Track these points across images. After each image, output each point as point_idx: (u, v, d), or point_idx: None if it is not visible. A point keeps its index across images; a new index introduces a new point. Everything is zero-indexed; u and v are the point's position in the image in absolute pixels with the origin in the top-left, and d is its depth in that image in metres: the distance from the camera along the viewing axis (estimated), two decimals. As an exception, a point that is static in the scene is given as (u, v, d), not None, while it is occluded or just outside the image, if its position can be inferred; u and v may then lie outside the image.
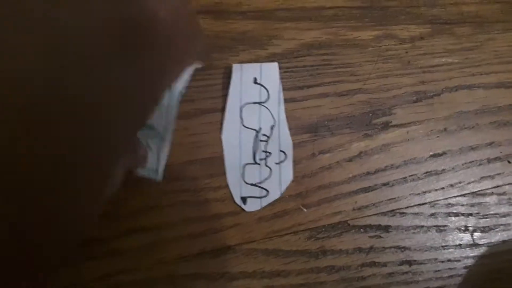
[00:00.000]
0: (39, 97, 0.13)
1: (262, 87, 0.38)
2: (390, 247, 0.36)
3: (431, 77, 0.42)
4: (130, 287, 0.32)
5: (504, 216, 0.39)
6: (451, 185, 0.39)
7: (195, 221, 0.34)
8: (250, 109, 0.37)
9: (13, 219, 0.15)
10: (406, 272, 0.36)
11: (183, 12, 0.20)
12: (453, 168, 0.40)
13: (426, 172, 0.39)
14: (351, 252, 0.36)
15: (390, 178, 0.38)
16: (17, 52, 0.13)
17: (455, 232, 0.38)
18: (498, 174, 0.40)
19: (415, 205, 0.38)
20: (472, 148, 0.40)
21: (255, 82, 0.38)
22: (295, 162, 0.37)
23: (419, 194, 0.38)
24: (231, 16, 0.40)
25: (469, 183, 0.39)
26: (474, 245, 0.38)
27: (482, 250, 0.38)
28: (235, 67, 0.38)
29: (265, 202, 0.35)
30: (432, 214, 0.38)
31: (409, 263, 0.36)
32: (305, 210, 0.36)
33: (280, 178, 0.36)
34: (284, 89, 0.38)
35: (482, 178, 0.40)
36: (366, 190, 0.37)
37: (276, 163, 0.36)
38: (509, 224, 0.39)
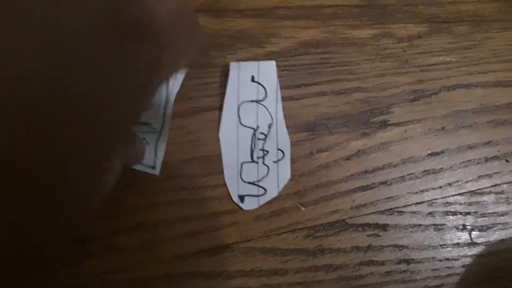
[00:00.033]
0: (39, 97, 0.13)
1: (259, 85, 0.38)
2: (388, 246, 0.37)
3: (429, 76, 0.43)
4: (128, 285, 0.32)
5: (502, 215, 0.39)
6: (449, 184, 0.39)
7: (193, 219, 0.34)
8: (247, 108, 0.37)
9: (13, 219, 0.15)
10: (404, 271, 0.36)
11: (183, 11, 0.20)
12: (451, 167, 0.40)
13: (424, 171, 0.39)
14: (349, 250, 0.36)
15: (388, 176, 0.38)
16: (17, 52, 0.13)
17: (453, 231, 0.38)
18: (496, 173, 0.41)
19: (413, 204, 0.38)
20: (470, 147, 0.41)
21: (253, 80, 0.38)
22: (293, 161, 0.37)
23: (417, 193, 0.39)
24: (229, 14, 0.40)
25: (467, 182, 0.40)
26: (472, 244, 0.38)
27: (480, 249, 0.38)
28: (233, 65, 0.38)
29: (263, 200, 0.36)
30: (430, 213, 0.38)
31: (407, 261, 0.36)
32: (303, 208, 0.36)
33: (277, 177, 0.36)
34: (281, 88, 0.38)
35: (480, 177, 0.40)
36: (364, 188, 0.38)
37: (274, 162, 0.37)
38: (507, 223, 0.39)
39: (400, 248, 0.37)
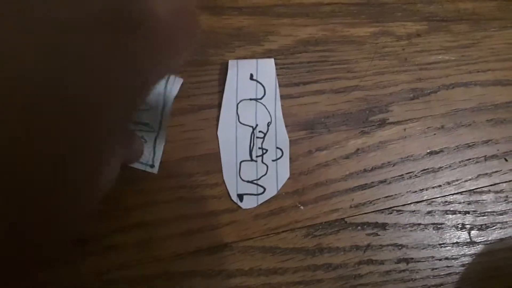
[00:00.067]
0: (39, 97, 0.13)
1: (258, 84, 0.38)
2: (387, 245, 0.37)
3: (428, 75, 0.43)
4: (126, 284, 0.32)
5: (501, 214, 0.40)
6: (448, 183, 0.40)
7: (191, 218, 0.34)
8: (246, 106, 0.37)
9: (13, 219, 0.15)
10: (404, 270, 0.37)
11: (183, 11, 0.20)
12: (450, 166, 0.40)
13: (423, 170, 0.40)
14: (348, 249, 0.36)
15: (387, 175, 0.39)
16: (17, 52, 0.13)
17: (452, 230, 0.38)
18: (495, 172, 0.41)
19: (412, 203, 0.38)
20: (469, 146, 0.41)
21: (251, 78, 0.38)
22: (292, 159, 0.37)
23: (416, 191, 0.39)
24: (227, 12, 0.40)
25: (466, 181, 0.40)
26: (471, 243, 0.38)
27: (479, 248, 0.39)
28: (231, 63, 0.38)
29: (262, 199, 0.36)
30: (429, 212, 0.38)
31: (406, 261, 0.37)
32: (302, 207, 0.36)
33: (276, 175, 0.37)
34: (280, 86, 0.39)
35: (479, 176, 0.41)
36: (363, 187, 0.38)
37: (273, 160, 0.37)
38: (506, 222, 0.40)
39: (400, 247, 0.37)
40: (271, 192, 0.36)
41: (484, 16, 0.47)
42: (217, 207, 0.35)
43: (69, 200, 0.17)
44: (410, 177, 0.39)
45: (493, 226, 0.39)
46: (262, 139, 0.37)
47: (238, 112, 0.37)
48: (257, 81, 0.38)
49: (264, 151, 0.37)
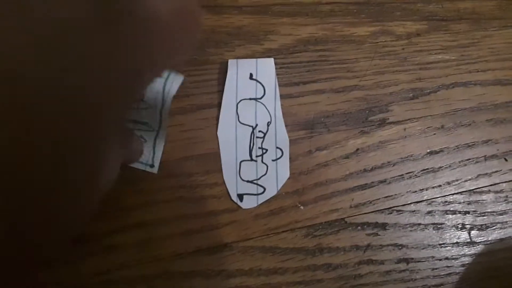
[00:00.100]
0: (39, 97, 0.13)
1: (258, 83, 0.38)
2: (388, 245, 0.37)
3: (428, 74, 0.43)
4: (126, 284, 0.32)
5: (501, 214, 0.40)
6: (448, 183, 0.40)
7: (191, 218, 0.35)
8: (246, 105, 0.38)
9: (13, 219, 0.15)
10: (404, 270, 0.37)
11: (184, 11, 0.20)
12: (450, 166, 0.41)
13: (423, 170, 0.40)
14: (348, 249, 0.36)
15: (387, 175, 0.39)
16: (17, 52, 0.13)
17: (452, 230, 0.39)
18: (495, 172, 0.41)
19: (412, 203, 0.39)
20: (469, 146, 0.41)
21: (251, 78, 0.38)
22: (292, 159, 0.38)
23: (416, 191, 0.39)
24: (227, 11, 0.41)
25: (466, 180, 0.40)
26: (471, 243, 0.39)
27: (479, 248, 0.39)
28: (231, 63, 0.38)
29: (262, 199, 0.36)
30: (429, 212, 0.39)
31: (407, 261, 0.37)
32: (302, 207, 0.36)
33: (276, 175, 0.37)
34: (280, 85, 0.39)
35: (479, 175, 0.41)
36: (363, 187, 0.38)
37: (273, 160, 0.37)
38: (506, 222, 0.40)
39: (400, 247, 0.37)
40: (271, 192, 0.36)
41: (484, 15, 0.48)
42: (217, 207, 0.35)
43: (69, 200, 0.17)
44: (410, 177, 0.39)
45: (493, 226, 0.40)
46: (262, 139, 0.37)
47: (238, 112, 0.37)
48: (257, 81, 0.38)
49: (264, 151, 0.37)
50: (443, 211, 0.39)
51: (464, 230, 0.39)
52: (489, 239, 0.39)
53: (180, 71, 0.36)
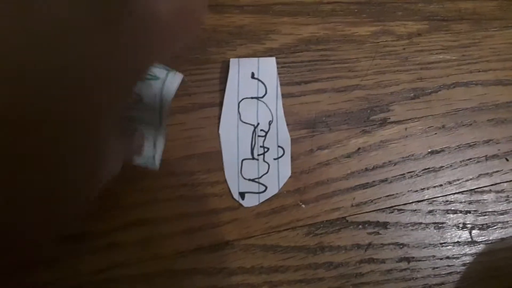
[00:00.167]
0: (39, 98, 0.13)
1: (259, 82, 0.39)
2: (389, 244, 0.37)
3: (429, 74, 0.44)
4: (127, 282, 0.32)
5: (502, 213, 0.40)
6: (449, 182, 0.40)
7: (193, 216, 0.35)
8: (247, 104, 0.38)
9: (13, 219, 0.15)
10: (405, 269, 0.37)
11: (184, 11, 0.20)
12: (451, 165, 0.41)
13: (424, 169, 0.40)
14: (349, 248, 0.37)
15: (388, 174, 0.39)
16: (17, 52, 0.13)
17: (453, 230, 0.39)
18: (496, 171, 0.42)
19: (413, 202, 0.39)
20: (470, 146, 0.42)
21: (253, 77, 0.39)
22: (293, 158, 0.38)
23: (417, 191, 0.39)
24: (228, 10, 0.41)
25: (467, 180, 0.41)
26: (472, 242, 0.39)
27: (480, 247, 0.39)
28: (233, 62, 0.39)
29: (263, 197, 0.36)
30: (430, 211, 0.39)
31: (408, 260, 0.37)
32: (303, 206, 0.37)
33: (278, 174, 0.37)
34: (281, 84, 0.39)
35: (480, 175, 0.41)
36: (364, 186, 0.39)
37: (274, 159, 0.37)
38: (507, 222, 0.40)
39: (401, 246, 0.38)
40: (272, 190, 0.37)
41: (485, 15, 0.48)
42: (218, 205, 0.36)
43: (69, 200, 0.17)
44: (411, 177, 0.40)
45: (494, 225, 0.40)
46: (263, 138, 0.38)
47: (240, 111, 0.38)
48: (259, 80, 0.39)
49: (266, 149, 0.38)
50: (444, 210, 0.39)
51: (465, 229, 0.39)
52: (490, 238, 0.40)
53: (182, 70, 0.36)
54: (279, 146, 0.38)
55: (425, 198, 0.39)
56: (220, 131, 0.37)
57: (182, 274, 0.33)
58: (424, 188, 0.40)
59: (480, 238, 0.39)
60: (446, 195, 0.40)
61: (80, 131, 0.16)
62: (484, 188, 0.41)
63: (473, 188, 0.41)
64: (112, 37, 0.15)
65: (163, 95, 0.35)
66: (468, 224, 0.39)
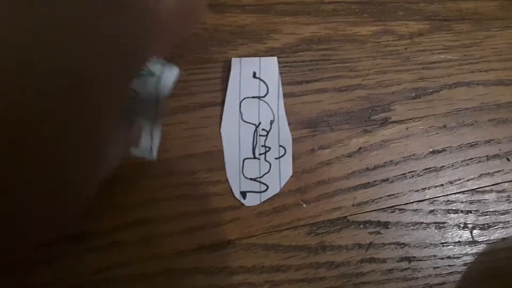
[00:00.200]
0: (39, 98, 0.14)
1: (261, 82, 0.39)
2: (390, 244, 0.37)
3: (430, 74, 0.44)
4: (128, 282, 0.32)
5: (503, 213, 0.40)
6: (450, 182, 0.40)
7: (194, 215, 0.35)
8: (249, 104, 0.38)
9: (13, 219, 0.15)
10: (406, 269, 0.37)
11: (184, 11, 0.20)
12: (452, 165, 0.41)
13: (425, 169, 0.40)
14: (350, 248, 0.37)
15: (389, 174, 0.39)
16: (17, 52, 0.13)
17: (454, 229, 0.39)
18: (497, 171, 0.42)
19: (414, 202, 0.39)
20: (471, 145, 0.42)
21: (254, 76, 0.39)
22: (295, 157, 0.38)
23: (418, 190, 0.40)
24: (230, 10, 0.41)
25: (468, 180, 0.41)
26: (473, 242, 0.39)
27: (481, 247, 0.39)
28: (234, 61, 0.39)
29: (265, 197, 0.37)
30: (431, 211, 0.39)
31: (409, 259, 0.37)
32: (304, 205, 0.37)
33: (279, 173, 0.37)
34: (283, 84, 0.39)
35: (481, 175, 0.41)
36: (365, 186, 0.39)
37: (276, 158, 0.38)
38: (508, 222, 0.40)
39: (402, 246, 0.38)
40: (274, 189, 0.37)
41: (486, 15, 0.48)
42: (219, 204, 0.36)
43: (69, 200, 0.17)
44: (413, 176, 0.40)
45: (495, 225, 0.40)
46: (265, 137, 0.38)
47: (241, 110, 0.38)
48: (260, 79, 0.39)
49: (267, 149, 0.38)
50: (445, 210, 0.39)
51: (466, 229, 0.39)
52: (491, 238, 0.40)
53: (184, 69, 0.36)
54: (280, 146, 0.38)
55: (426, 198, 0.39)
56: (222, 131, 0.37)
57: (183, 273, 0.33)
58: (425, 188, 0.40)
59: (481, 238, 0.39)
60: (447, 195, 0.40)
61: (80, 131, 0.16)
62: (485, 188, 0.41)
63: (474, 188, 0.41)
64: (113, 37, 0.16)
65: (159, 89, 0.35)
66: (469, 224, 0.40)
